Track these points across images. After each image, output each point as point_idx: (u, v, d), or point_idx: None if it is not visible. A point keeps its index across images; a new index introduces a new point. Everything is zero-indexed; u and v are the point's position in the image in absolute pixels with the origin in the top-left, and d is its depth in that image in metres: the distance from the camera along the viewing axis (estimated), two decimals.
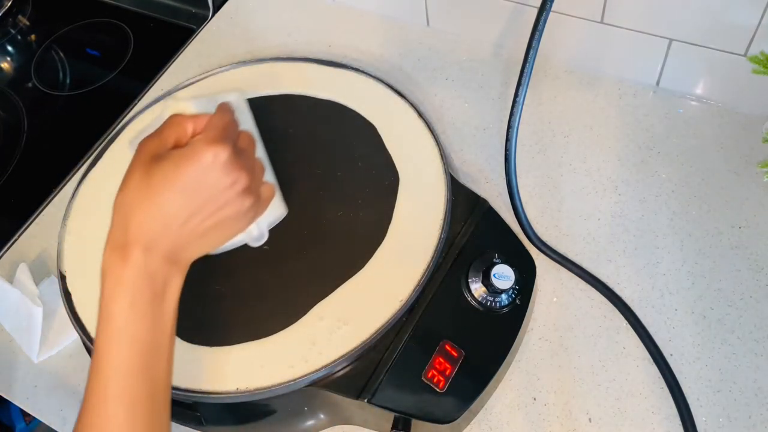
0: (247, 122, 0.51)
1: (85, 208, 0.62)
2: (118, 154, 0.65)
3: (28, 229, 0.71)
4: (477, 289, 0.54)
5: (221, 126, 0.44)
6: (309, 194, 0.61)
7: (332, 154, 0.64)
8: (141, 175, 0.43)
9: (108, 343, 0.41)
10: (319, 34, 0.84)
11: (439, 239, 0.56)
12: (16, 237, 0.71)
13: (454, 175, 0.62)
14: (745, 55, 0.65)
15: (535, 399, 0.56)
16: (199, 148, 0.42)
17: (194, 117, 0.45)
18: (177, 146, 0.44)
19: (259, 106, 0.69)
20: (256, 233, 0.50)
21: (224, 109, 0.47)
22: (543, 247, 0.62)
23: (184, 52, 0.85)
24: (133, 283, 0.41)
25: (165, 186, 0.42)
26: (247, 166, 0.45)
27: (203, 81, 0.69)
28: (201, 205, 0.43)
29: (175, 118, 0.45)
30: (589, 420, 0.54)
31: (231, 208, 0.44)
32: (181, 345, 0.53)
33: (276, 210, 0.52)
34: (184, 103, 0.47)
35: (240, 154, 0.45)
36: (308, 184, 0.61)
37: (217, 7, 0.89)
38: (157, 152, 0.43)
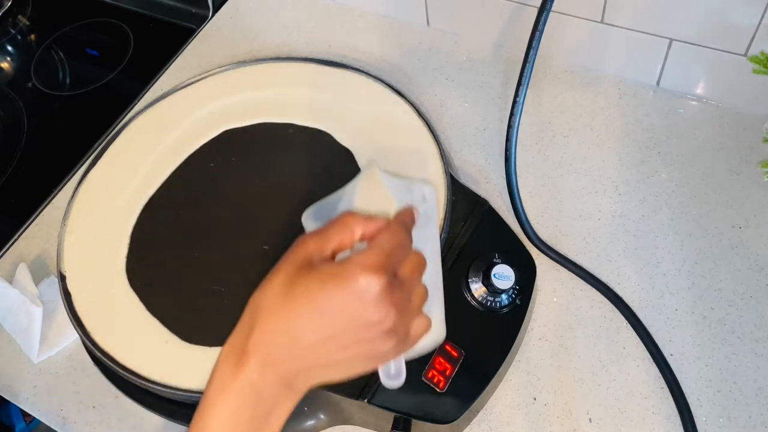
0: (428, 231, 0.45)
1: (85, 208, 0.62)
2: (118, 154, 0.65)
3: (28, 229, 0.71)
4: (477, 289, 0.54)
5: (388, 248, 0.39)
6: (309, 194, 0.61)
7: (333, 153, 0.64)
8: (284, 281, 0.39)
9: None
10: (319, 34, 0.84)
11: (439, 239, 0.56)
12: (16, 237, 0.71)
13: (454, 175, 0.62)
14: (745, 55, 0.65)
15: (535, 399, 0.56)
16: (352, 272, 0.37)
17: (366, 220, 0.40)
18: (339, 250, 0.40)
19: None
20: (393, 371, 0.43)
21: (401, 221, 0.42)
22: (543, 247, 0.62)
23: (184, 52, 0.85)
24: (238, 395, 0.38)
25: (304, 302, 0.38)
26: (401, 303, 0.39)
27: (203, 81, 0.69)
28: (336, 334, 0.38)
29: (345, 218, 0.40)
30: (590, 420, 0.54)
31: (368, 346, 0.39)
32: (181, 345, 0.53)
33: (429, 339, 0.44)
34: (380, 175, 0.44)
35: (398, 287, 0.39)
36: (308, 183, 0.61)
37: (217, 7, 0.89)
38: (312, 258, 0.39)
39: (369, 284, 0.37)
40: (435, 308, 0.44)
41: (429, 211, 0.45)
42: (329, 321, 0.38)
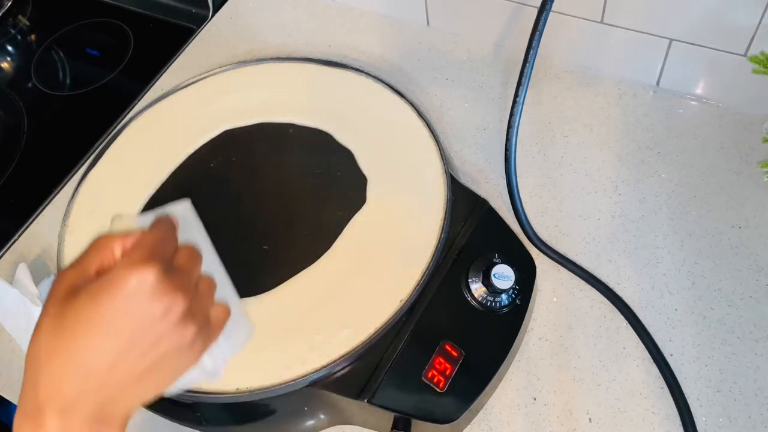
0: (194, 234, 0.44)
1: (85, 208, 0.62)
2: (118, 154, 0.65)
3: (28, 229, 0.71)
4: (477, 289, 0.54)
5: (150, 243, 0.37)
6: (309, 193, 0.61)
7: (333, 153, 0.64)
8: (52, 318, 0.35)
9: None
10: (319, 34, 0.84)
11: (439, 239, 0.56)
12: (16, 237, 0.71)
13: (454, 175, 0.62)
14: (745, 55, 0.65)
15: (535, 399, 0.56)
16: (120, 274, 0.34)
17: (123, 236, 0.38)
18: (102, 271, 0.36)
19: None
20: (210, 367, 0.41)
21: (159, 222, 0.39)
22: (543, 247, 0.62)
23: (184, 52, 0.85)
24: None
25: (80, 327, 0.34)
26: (185, 287, 0.36)
27: (203, 81, 0.69)
28: (129, 344, 0.34)
29: (99, 241, 0.38)
30: (589, 420, 0.54)
31: (169, 342, 0.36)
32: None
33: (236, 335, 0.43)
34: (128, 221, 0.41)
35: (175, 273, 0.36)
36: (308, 183, 0.61)
37: (217, 7, 0.89)
38: (75, 285, 0.35)
39: (141, 278, 0.34)
40: (232, 303, 0.43)
41: (186, 215, 0.43)
42: (114, 334, 0.34)
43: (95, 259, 0.37)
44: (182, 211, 0.43)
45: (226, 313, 0.41)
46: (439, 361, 0.51)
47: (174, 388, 0.39)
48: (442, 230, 0.56)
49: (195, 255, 0.40)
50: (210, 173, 0.63)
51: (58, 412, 0.34)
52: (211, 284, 0.41)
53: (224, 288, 0.43)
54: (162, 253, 0.37)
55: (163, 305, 0.35)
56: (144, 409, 0.57)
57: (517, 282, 0.54)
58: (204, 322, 0.38)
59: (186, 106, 0.68)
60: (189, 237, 0.42)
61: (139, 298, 0.34)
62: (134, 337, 0.34)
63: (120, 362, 0.34)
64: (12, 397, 0.61)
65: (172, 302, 0.35)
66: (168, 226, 0.40)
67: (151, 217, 0.41)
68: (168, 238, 0.39)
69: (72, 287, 0.35)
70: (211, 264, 0.42)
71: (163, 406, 0.56)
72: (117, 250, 0.37)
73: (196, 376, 0.41)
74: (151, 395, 0.37)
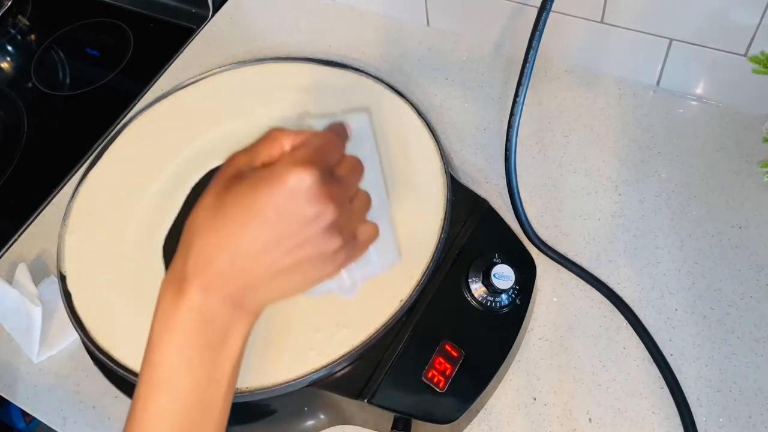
0: (365, 148, 0.43)
1: (85, 208, 0.62)
2: (118, 154, 0.65)
3: (28, 229, 0.71)
4: (477, 289, 0.54)
5: (316, 146, 0.37)
6: None
7: None
8: (215, 196, 0.36)
9: (147, 393, 0.36)
10: (319, 34, 0.84)
11: (439, 239, 0.56)
12: (16, 237, 0.71)
13: (454, 175, 0.62)
14: (745, 55, 0.65)
15: (535, 399, 0.56)
16: (281, 170, 0.35)
17: (296, 133, 0.38)
18: (269, 162, 0.38)
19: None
20: (347, 283, 0.42)
21: (332, 128, 0.40)
22: (543, 247, 0.62)
23: (184, 52, 0.85)
24: (185, 326, 0.35)
25: (236, 212, 0.35)
26: (340, 198, 0.37)
27: (203, 81, 0.69)
28: (277, 238, 0.36)
29: (273, 132, 0.39)
30: (589, 420, 0.54)
31: (313, 247, 0.37)
32: None
33: (382, 258, 0.43)
34: (310, 120, 0.42)
35: (334, 182, 0.37)
36: None
37: (217, 7, 0.89)
38: (241, 170, 0.37)
39: (300, 178, 0.35)
40: (384, 227, 0.43)
41: (363, 130, 0.43)
42: (266, 226, 0.35)
43: (265, 149, 0.38)
44: (359, 122, 0.43)
45: (375, 233, 0.42)
46: (439, 361, 0.51)
47: (309, 293, 0.40)
48: (442, 230, 0.56)
49: (357, 168, 0.40)
50: (210, 173, 0.63)
51: (201, 284, 0.35)
52: (366, 201, 0.41)
53: (380, 209, 0.42)
54: (325, 158, 0.37)
55: (314, 210, 0.36)
56: None
57: (517, 282, 0.54)
58: (350, 237, 0.39)
59: (186, 106, 0.68)
60: (359, 150, 0.42)
61: (295, 198, 0.35)
62: (283, 234, 0.36)
63: (266, 253, 0.36)
64: (12, 398, 0.61)
65: (324, 209, 0.36)
66: (339, 133, 0.41)
67: (330, 121, 0.42)
68: (336, 144, 0.39)
69: (238, 172, 0.37)
70: (374, 182, 0.42)
71: None
72: (287, 144, 0.38)
73: (331, 288, 0.42)
74: (286, 294, 0.38)
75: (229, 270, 0.36)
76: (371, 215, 0.41)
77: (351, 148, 0.41)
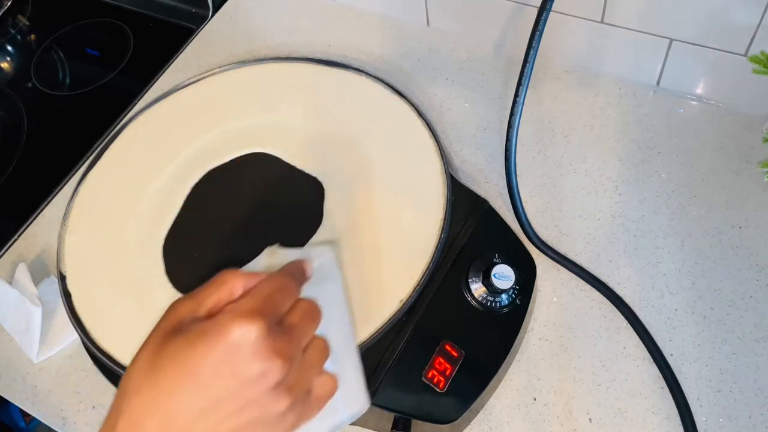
0: (327, 286, 0.40)
1: (85, 208, 0.62)
2: (118, 154, 0.65)
3: (28, 229, 0.71)
4: (477, 289, 0.54)
5: (265, 293, 0.34)
6: (307, 191, 0.61)
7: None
8: (150, 352, 0.33)
9: None
10: (319, 34, 0.84)
11: (439, 239, 0.56)
12: (16, 237, 0.71)
13: (454, 175, 0.62)
14: (745, 55, 0.65)
15: (535, 399, 0.56)
16: (223, 323, 0.32)
17: (248, 276, 0.35)
18: (216, 311, 0.34)
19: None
20: None
21: (288, 270, 0.37)
22: (543, 247, 0.62)
23: (184, 52, 0.85)
24: None
25: (172, 371, 0.32)
26: (289, 352, 0.33)
27: (203, 81, 0.69)
28: (216, 402, 0.32)
29: (222, 275, 0.35)
30: (589, 420, 0.54)
31: (256, 411, 0.33)
32: None
33: (347, 406, 0.39)
34: (279, 251, 0.39)
35: (283, 334, 0.34)
36: (307, 183, 0.61)
37: (217, 7, 0.89)
38: (183, 321, 0.34)
39: (243, 332, 0.32)
40: (349, 372, 0.39)
41: (326, 265, 0.40)
42: (204, 388, 0.32)
43: (213, 295, 0.35)
44: (322, 258, 0.40)
45: (332, 387, 0.37)
46: (439, 361, 0.51)
47: None
48: (442, 230, 0.56)
49: (313, 314, 0.37)
50: (210, 173, 0.63)
51: None
52: (323, 350, 0.37)
53: (345, 352, 0.39)
54: (275, 306, 0.34)
55: (258, 368, 0.32)
56: None
57: (517, 282, 0.54)
58: (302, 396, 0.35)
59: (186, 106, 0.68)
60: (322, 287, 0.38)
61: (236, 355, 0.32)
62: (222, 396, 0.32)
63: (203, 418, 0.32)
64: (12, 398, 0.61)
65: (270, 367, 0.32)
66: (296, 274, 0.37)
67: (299, 254, 0.38)
68: (289, 289, 0.36)
69: (179, 323, 0.34)
70: (337, 320, 0.39)
71: None
72: (238, 288, 0.35)
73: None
74: None
75: None
76: (334, 359, 0.38)
77: (313, 286, 0.38)
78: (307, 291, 0.38)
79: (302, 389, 0.35)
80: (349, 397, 0.39)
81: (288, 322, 0.35)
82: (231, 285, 0.35)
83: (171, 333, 0.33)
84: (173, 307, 0.35)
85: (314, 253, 0.40)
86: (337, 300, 0.40)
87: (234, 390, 0.32)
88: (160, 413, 0.32)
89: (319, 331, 0.37)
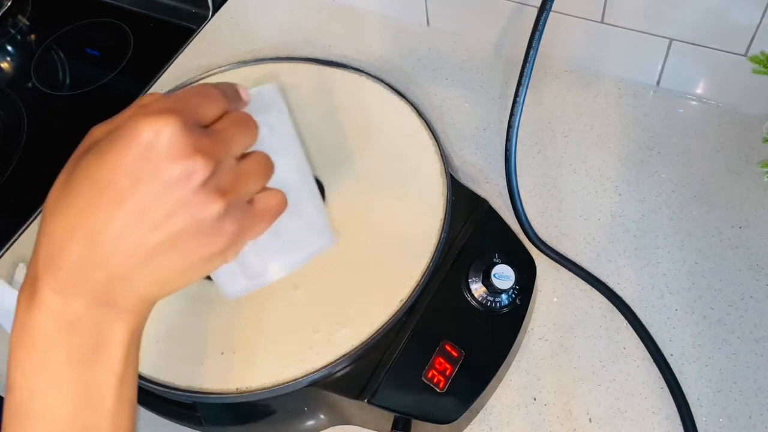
0: (273, 117, 0.36)
1: None
2: None
3: (28, 229, 0.71)
4: (477, 289, 0.54)
5: (184, 96, 0.31)
6: None
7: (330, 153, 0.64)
8: (65, 174, 0.31)
9: (12, 423, 0.29)
10: (319, 34, 0.84)
11: (439, 239, 0.56)
12: (16, 237, 0.71)
13: (454, 175, 0.62)
14: (745, 55, 0.65)
15: (535, 399, 0.56)
16: (133, 125, 0.29)
17: (172, 95, 0.32)
18: None
19: None
20: (256, 267, 0.34)
21: (217, 85, 0.33)
22: (543, 247, 0.62)
23: (184, 52, 0.85)
24: (42, 338, 0.29)
25: (86, 188, 0.29)
26: (214, 151, 0.30)
27: (203, 81, 0.69)
28: (136, 211, 0.29)
29: (143, 98, 0.32)
30: (590, 420, 0.54)
31: (185, 216, 0.29)
32: (180, 345, 0.53)
33: (309, 237, 0.36)
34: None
35: (205, 134, 0.30)
36: None
37: (217, 7, 0.89)
38: (97, 140, 0.31)
39: (156, 130, 0.28)
40: (307, 205, 0.37)
41: (268, 94, 0.36)
42: (122, 198, 0.28)
43: (130, 110, 0.31)
44: (262, 87, 0.36)
45: (279, 201, 0.34)
46: (439, 361, 0.51)
47: (228, 291, 0.33)
48: (442, 230, 0.56)
49: (246, 123, 0.33)
50: None
51: (56, 283, 0.29)
52: (264, 163, 0.33)
53: (301, 186, 0.36)
54: (193, 108, 0.30)
55: (179, 167, 0.29)
56: (143, 409, 0.57)
57: (517, 282, 0.54)
58: (240, 203, 0.32)
59: None
60: (263, 118, 0.34)
61: (151, 156, 0.28)
62: (144, 205, 0.29)
63: (127, 232, 0.29)
64: None
65: (192, 165, 0.29)
66: (225, 90, 0.33)
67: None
68: (212, 95, 0.32)
69: (94, 143, 0.31)
70: (289, 156, 0.35)
71: (164, 407, 0.56)
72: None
73: (239, 280, 0.34)
74: (171, 283, 0.31)
75: (85, 260, 0.29)
76: (290, 193, 0.35)
77: (254, 116, 0.34)
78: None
79: (238, 195, 0.31)
80: (311, 232, 0.37)
81: (213, 128, 0.31)
82: (149, 100, 0.31)
83: (83, 154, 0.31)
84: (89, 132, 0.32)
85: (253, 89, 0.36)
86: (284, 131, 0.36)
87: (156, 195, 0.29)
88: (79, 235, 0.29)
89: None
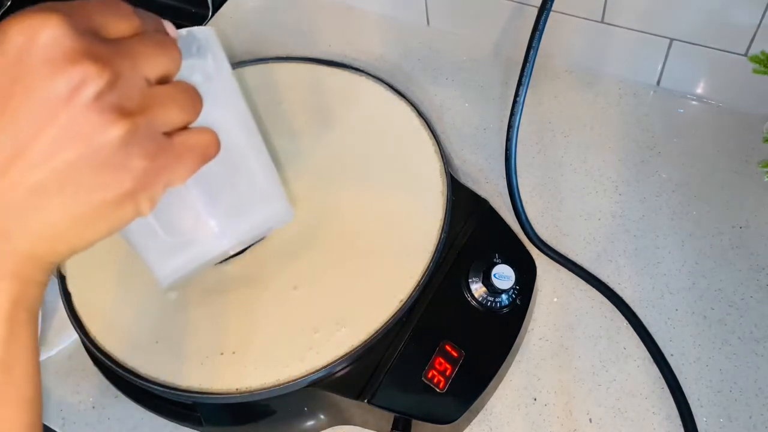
0: (209, 62, 0.31)
1: None
2: None
3: None
4: (477, 289, 0.54)
5: (82, 3, 0.24)
6: (308, 192, 0.61)
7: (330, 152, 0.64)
8: None
9: None
10: (319, 34, 0.84)
11: (439, 239, 0.56)
12: None
13: (454, 175, 0.62)
14: (745, 54, 0.65)
15: (535, 399, 0.56)
16: (6, 26, 0.23)
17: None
18: None
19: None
20: (215, 229, 0.29)
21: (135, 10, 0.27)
22: (543, 247, 0.62)
23: None
24: None
25: None
26: (111, 61, 0.24)
27: None
28: (16, 140, 0.23)
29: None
30: (590, 420, 0.54)
31: (76, 142, 0.23)
32: (180, 345, 0.53)
33: (257, 209, 0.32)
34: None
35: (101, 42, 0.24)
36: (305, 182, 0.61)
37: (217, 7, 0.89)
38: None
39: (32, 33, 0.22)
40: (256, 170, 0.32)
41: (202, 36, 0.32)
42: None
43: None
44: (193, 31, 0.32)
45: (209, 143, 0.27)
46: (439, 362, 0.51)
47: (158, 271, 0.27)
48: (442, 230, 0.56)
49: (162, 44, 0.27)
50: None
51: None
52: (191, 96, 0.27)
53: (248, 148, 0.31)
54: (89, 14, 0.24)
55: (64, 78, 0.23)
56: (143, 409, 0.57)
57: (517, 282, 0.54)
58: (152, 133, 0.25)
59: None
60: (196, 62, 0.30)
61: (23, 67, 0.22)
62: (21, 125, 0.23)
63: (5, 168, 0.23)
64: None
65: (81, 73, 0.23)
66: (144, 17, 0.27)
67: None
68: (123, 10, 0.26)
69: None
70: (229, 110, 0.30)
71: (164, 406, 0.56)
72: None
73: (170, 257, 0.29)
74: (70, 236, 0.25)
75: None
76: (231, 152, 0.29)
77: (186, 60, 0.30)
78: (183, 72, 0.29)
79: (148, 120, 0.25)
80: (259, 200, 0.32)
81: (117, 41, 0.25)
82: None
83: None
84: None
85: (183, 29, 0.31)
86: (222, 81, 0.31)
87: (32, 116, 0.23)
88: None
89: (205, 116, 0.28)
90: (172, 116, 0.26)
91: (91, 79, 0.23)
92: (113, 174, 0.24)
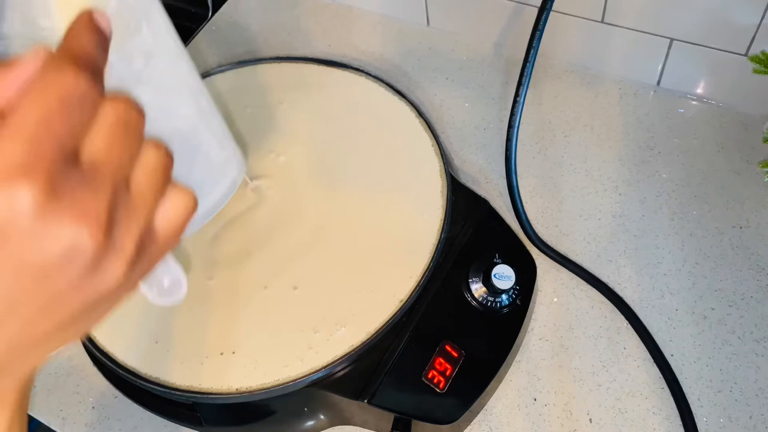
0: (144, 29, 0.27)
1: None
2: None
3: None
4: (477, 289, 0.54)
5: (32, 125, 0.20)
6: (307, 192, 0.61)
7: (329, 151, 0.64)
8: None
9: None
10: (319, 34, 0.84)
11: (439, 239, 0.56)
12: None
13: (454, 175, 0.62)
14: (746, 54, 0.65)
15: (535, 399, 0.56)
16: None
17: (6, 69, 0.21)
18: None
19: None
20: (166, 283, 0.29)
21: (66, 52, 0.22)
22: (543, 247, 0.62)
23: None
24: None
25: None
26: (98, 207, 0.22)
27: (203, 81, 0.69)
28: (7, 308, 0.22)
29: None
30: (590, 420, 0.54)
31: (77, 299, 0.23)
32: (179, 345, 0.53)
33: (217, 184, 0.29)
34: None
35: (81, 181, 0.21)
36: (305, 181, 0.61)
37: (217, 7, 0.89)
38: None
39: (10, 204, 0.20)
40: (209, 143, 0.29)
41: (136, 7, 0.27)
42: None
43: None
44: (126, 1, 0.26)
45: (188, 202, 0.25)
46: (440, 362, 0.51)
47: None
48: (442, 230, 0.56)
49: (129, 124, 0.23)
50: None
51: None
52: (161, 163, 0.24)
53: (199, 123, 0.27)
54: (55, 144, 0.21)
55: (58, 245, 0.21)
56: (144, 409, 0.57)
57: (517, 282, 0.54)
58: (143, 241, 0.24)
59: None
60: (137, 45, 0.26)
61: (10, 240, 0.20)
62: (11, 300, 0.21)
63: (4, 326, 0.22)
64: None
65: (74, 238, 0.21)
66: (86, 50, 0.22)
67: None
68: (74, 96, 0.21)
69: None
70: (177, 81, 0.26)
71: (164, 406, 0.56)
72: None
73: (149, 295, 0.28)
74: (64, 343, 0.25)
75: None
76: (188, 134, 0.26)
77: (116, 40, 0.24)
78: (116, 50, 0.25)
79: (139, 236, 0.24)
80: (221, 172, 0.29)
81: (88, 158, 0.22)
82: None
83: None
84: None
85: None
86: (165, 54, 0.27)
87: (28, 290, 0.21)
88: None
89: (152, 103, 0.24)
90: (154, 209, 0.25)
91: (84, 243, 0.21)
92: (110, 304, 0.26)
